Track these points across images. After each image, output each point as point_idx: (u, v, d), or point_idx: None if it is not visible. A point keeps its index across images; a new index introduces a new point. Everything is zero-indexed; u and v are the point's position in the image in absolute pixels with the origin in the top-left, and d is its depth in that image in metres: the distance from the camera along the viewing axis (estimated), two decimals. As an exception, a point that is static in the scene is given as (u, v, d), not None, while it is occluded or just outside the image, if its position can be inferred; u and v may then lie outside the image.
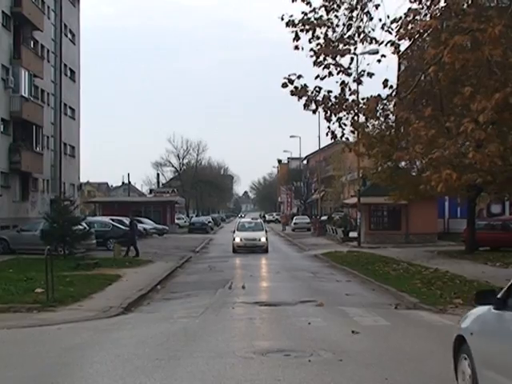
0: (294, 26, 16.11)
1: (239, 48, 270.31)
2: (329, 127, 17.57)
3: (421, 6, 15.20)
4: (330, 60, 16.43)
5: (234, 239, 39.91)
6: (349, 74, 16.91)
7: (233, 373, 9.25)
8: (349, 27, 16.44)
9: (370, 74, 16.79)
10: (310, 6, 16.22)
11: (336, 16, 16.37)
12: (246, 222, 46.22)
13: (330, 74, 16.66)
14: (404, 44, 16.64)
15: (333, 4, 16.22)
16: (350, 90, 17.10)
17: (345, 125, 17.58)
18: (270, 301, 18.10)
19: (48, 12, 51.26)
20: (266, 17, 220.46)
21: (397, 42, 15.75)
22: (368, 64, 16.82)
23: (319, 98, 16.99)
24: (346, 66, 16.84)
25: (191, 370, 9.40)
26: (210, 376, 9.01)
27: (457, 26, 14.10)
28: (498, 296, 7.16)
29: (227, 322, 14.32)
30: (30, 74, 44.68)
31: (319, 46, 16.36)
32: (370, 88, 17.54)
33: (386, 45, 15.95)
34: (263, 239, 39.82)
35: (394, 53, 16.74)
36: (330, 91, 17.11)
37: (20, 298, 17.46)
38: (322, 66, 16.50)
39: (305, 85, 16.82)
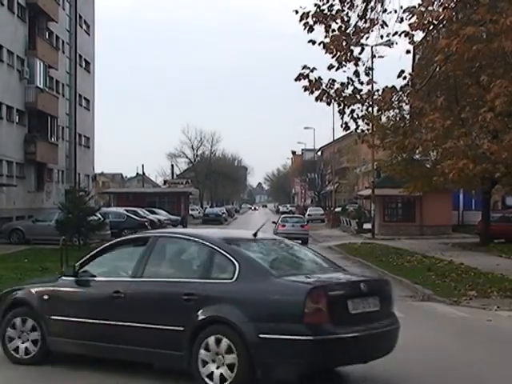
0: (307, 18, 16.05)
1: (254, 39, 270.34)
2: (342, 118, 17.54)
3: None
4: (342, 53, 16.35)
5: None
6: (357, 64, 16.80)
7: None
8: (363, 18, 16.36)
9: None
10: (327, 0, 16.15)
11: (350, 7, 16.29)
12: None
13: (340, 64, 16.56)
14: (418, 35, 16.56)
15: None
16: (359, 81, 17.02)
17: (358, 116, 17.53)
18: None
19: (63, 3, 51.39)
20: (283, 8, 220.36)
21: (411, 32, 15.65)
22: (379, 56, 16.75)
23: (332, 92, 16.92)
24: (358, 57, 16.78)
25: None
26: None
27: (470, 17, 14.03)
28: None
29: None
30: (45, 65, 44.84)
31: (332, 39, 16.26)
32: (381, 79, 17.48)
33: (399, 35, 15.86)
34: None
35: (410, 43, 16.67)
36: (342, 83, 17.04)
37: (35, 288, 17.52)
38: (336, 58, 16.43)
39: (319, 77, 16.74)
